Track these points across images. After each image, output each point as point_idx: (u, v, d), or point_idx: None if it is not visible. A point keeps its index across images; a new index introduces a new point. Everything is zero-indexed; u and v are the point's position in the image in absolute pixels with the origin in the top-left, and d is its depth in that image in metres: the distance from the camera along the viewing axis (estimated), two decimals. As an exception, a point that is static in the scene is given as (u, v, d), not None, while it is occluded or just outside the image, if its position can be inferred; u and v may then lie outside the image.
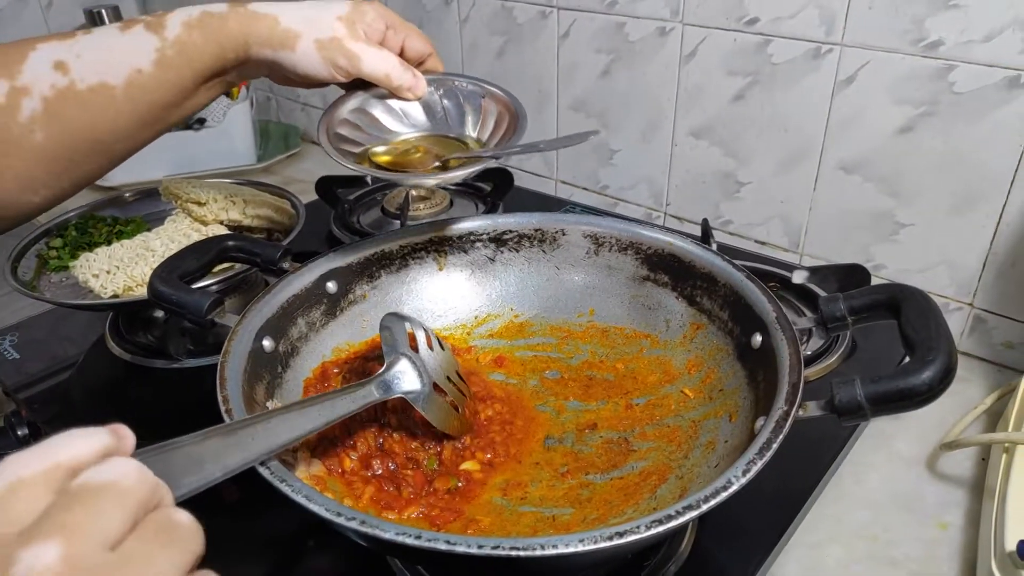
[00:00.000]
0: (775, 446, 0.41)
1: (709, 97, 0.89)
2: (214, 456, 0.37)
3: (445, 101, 0.65)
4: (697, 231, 0.88)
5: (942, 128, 0.73)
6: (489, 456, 0.55)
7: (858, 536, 0.59)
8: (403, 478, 0.52)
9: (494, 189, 1.04)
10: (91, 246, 0.80)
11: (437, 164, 0.61)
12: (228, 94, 1.26)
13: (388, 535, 0.37)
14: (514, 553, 0.36)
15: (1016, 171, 0.70)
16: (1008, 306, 0.76)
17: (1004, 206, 0.72)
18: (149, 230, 0.83)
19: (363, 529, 0.37)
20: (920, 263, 0.80)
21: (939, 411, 0.70)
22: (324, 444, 0.53)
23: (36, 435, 0.68)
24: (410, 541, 0.37)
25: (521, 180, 1.13)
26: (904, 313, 0.45)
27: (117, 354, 0.77)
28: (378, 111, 0.64)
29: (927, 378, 0.40)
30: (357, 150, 0.62)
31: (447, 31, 1.12)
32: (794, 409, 0.43)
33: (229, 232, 0.77)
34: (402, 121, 0.65)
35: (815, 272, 0.77)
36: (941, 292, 0.79)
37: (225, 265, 0.71)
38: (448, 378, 0.56)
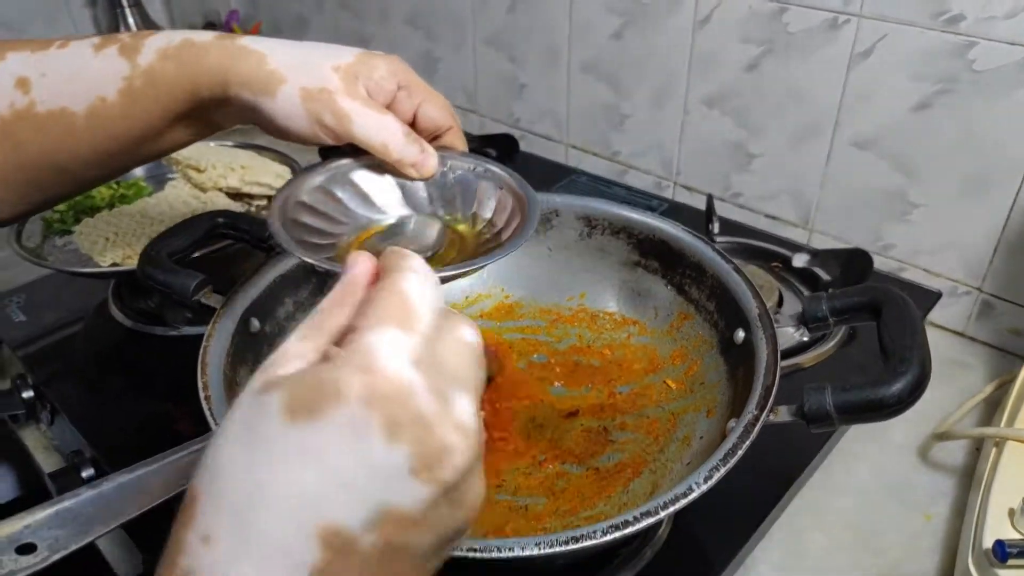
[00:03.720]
0: (740, 453, 0.41)
1: (722, 65, 0.86)
2: None
3: (452, 178, 0.53)
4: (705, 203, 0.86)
5: (959, 107, 0.70)
6: None
7: (843, 524, 0.59)
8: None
9: (497, 156, 1.01)
10: (93, 210, 0.81)
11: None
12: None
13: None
14: (471, 555, 0.37)
15: (1033, 155, 0.68)
16: (1017, 292, 0.74)
17: (1019, 190, 0.69)
18: (150, 194, 0.84)
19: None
20: (930, 245, 0.77)
21: (939, 397, 0.69)
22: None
23: (41, 398, 0.70)
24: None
25: (531, 146, 1.11)
26: (884, 317, 0.44)
27: (119, 320, 0.78)
28: (351, 189, 0.53)
29: (896, 391, 0.39)
30: (327, 242, 0.49)
31: (458, -13, 1.09)
32: (764, 414, 0.42)
33: (221, 210, 0.76)
34: (377, 205, 0.53)
35: (816, 255, 0.75)
36: (950, 275, 0.77)
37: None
38: None
